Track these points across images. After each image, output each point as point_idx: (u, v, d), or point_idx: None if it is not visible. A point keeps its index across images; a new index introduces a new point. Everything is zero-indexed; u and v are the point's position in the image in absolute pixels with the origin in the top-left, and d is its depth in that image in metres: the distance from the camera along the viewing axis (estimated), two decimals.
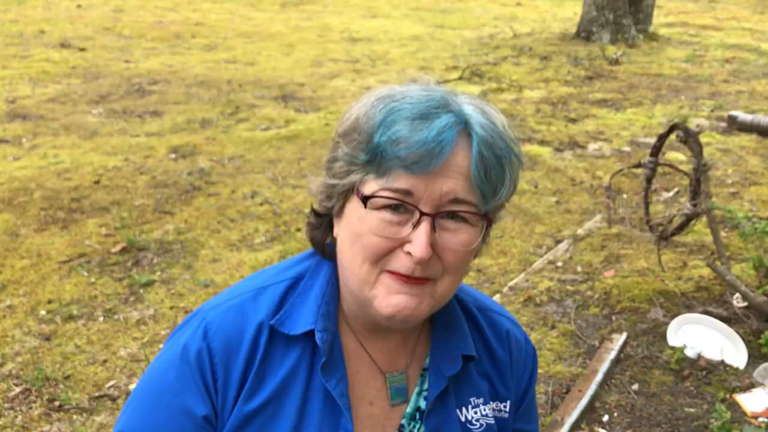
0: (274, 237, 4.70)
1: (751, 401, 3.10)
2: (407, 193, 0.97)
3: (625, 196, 5.39)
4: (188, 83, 8.27)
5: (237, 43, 10.53)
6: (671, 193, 5.42)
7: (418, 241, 0.97)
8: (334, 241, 1.09)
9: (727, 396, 3.16)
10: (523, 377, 1.21)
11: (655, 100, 8.04)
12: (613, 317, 3.71)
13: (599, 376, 3.19)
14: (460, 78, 8.49)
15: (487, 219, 1.01)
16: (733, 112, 7.09)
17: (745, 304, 3.54)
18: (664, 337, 3.51)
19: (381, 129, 0.96)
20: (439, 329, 1.12)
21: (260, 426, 1.05)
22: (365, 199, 0.98)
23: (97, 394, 3.16)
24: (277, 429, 1.05)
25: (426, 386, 1.13)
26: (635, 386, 3.23)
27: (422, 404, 1.12)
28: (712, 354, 3.38)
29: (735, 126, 6.94)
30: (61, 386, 3.19)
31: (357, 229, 1.00)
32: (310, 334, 1.05)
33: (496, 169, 0.97)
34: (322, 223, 1.11)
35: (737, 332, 3.44)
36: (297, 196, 5.31)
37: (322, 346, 1.04)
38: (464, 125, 0.97)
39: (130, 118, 7.03)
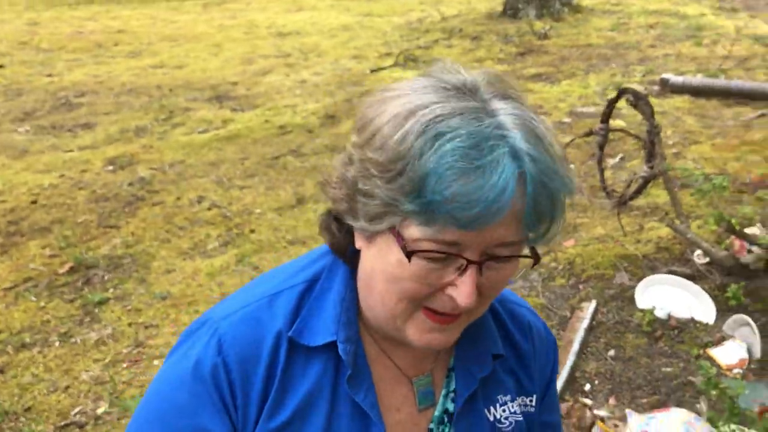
0: (228, 241, 4.57)
1: (725, 354, 3.15)
2: (455, 244, 0.87)
3: (572, 165, 5.43)
4: (117, 92, 8.00)
5: (162, 47, 10.24)
6: (617, 159, 5.49)
7: (464, 289, 0.88)
8: (356, 250, 0.99)
9: (701, 352, 3.21)
10: (546, 368, 1.16)
11: (588, 70, 8.14)
12: (581, 286, 3.72)
13: (575, 346, 3.19)
14: (395, 64, 8.44)
15: (536, 256, 0.92)
16: (665, 75, 7.23)
17: (707, 260, 3.60)
18: (632, 300, 3.53)
19: (432, 182, 0.82)
20: (466, 329, 1.05)
21: None
22: (409, 254, 0.87)
23: (62, 423, 3.00)
24: None
25: (452, 387, 1.07)
26: (611, 352, 3.24)
27: (450, 406, 1.07)
28: (681, 312, 3.42)
29: (668, 88, 7.08)
30: (23, 419, 3.02)
31: (395, 272, 0.90)
32: (332, 343, 0.98)
33: (548, 208, 0.87)
34: (343, 229, 1.00)
35: (703, 288, 3.49)
36: (245, 197, 5.18)
37: (346, 359, 0.98)
38: (520, 167, 0.84)
39: (60, 133, 6.74)
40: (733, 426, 2.52)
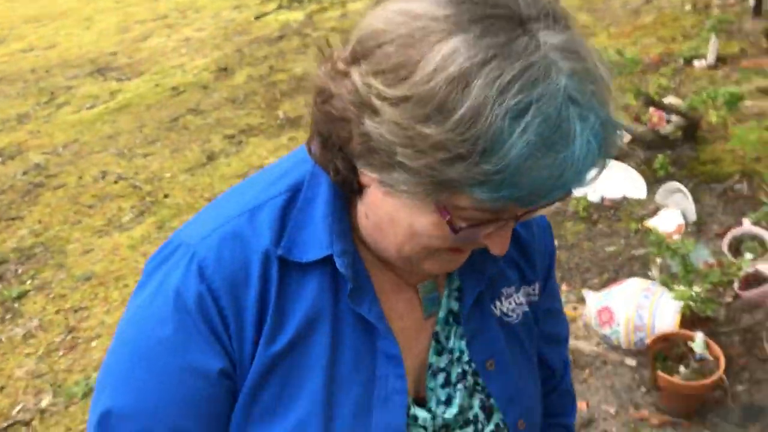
0: (143, 210, 4.34)
1: (662, 223, 3.21)
2: (504, 210, 0.76)
3: None
4: None
5: (28, 29, 9.55)
6: None
7: (501, 242, 0.80)
8: (360, 184, 0.84)
9: (639, 226, 3.26)
10: (546, 254, 1.08)
11: None
12: None
13: None
14: (279, 7, 8.15)
15: (569, 194, 0.81)
16: None
17: (629, 138, 3.64)
18: None
19: (510, 175, 0.69)
20: None
21: (290, 367, 0.87)
22: (456, 229, 0.76)
23: (5, 424, 2.79)
24: (310, 366, 0.88)
25: (455, 285, 0.98)
26: (555, 242, 3.25)
27: (454, 305, 0.98)
28: (614, 193, 3.46)
29: None
30: None
31: (425, 231, 0.79)
32: (327, 258, 0.87)
33: (606, 162, 0.76)
34: (349, 165, 0.83)
35: (629, 166, 3.53)
36: (151, 164, 4.93)
37: (345, 272, 0.86)
38: (598, 141, 0.72)
39: None
40: (684, 287, 2.57)
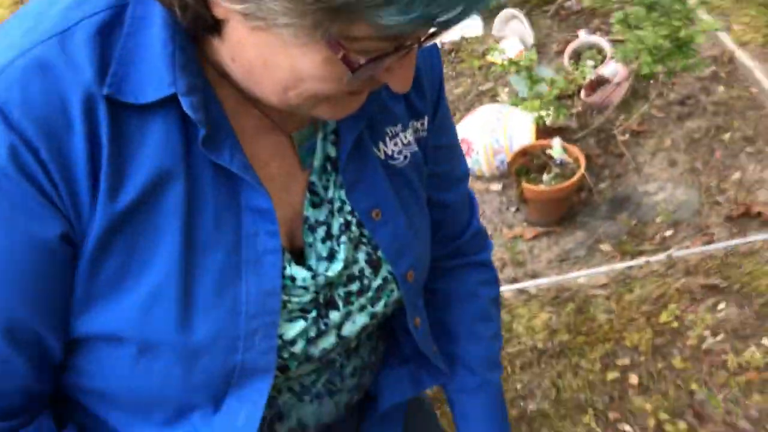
0: None
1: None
2: (410, 35, 0.63)
3: None
4: None
5: None
6: None
7: (405, 75, 0.68)
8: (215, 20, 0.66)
9: (483, 62, 3.21)
10: (435, 78, 0.92)
11: None
12: None
13: None
14: None
15: None
16: None
17: None
18: None
19: None
20: None
21: (137, 230, 0.71)
22: (353, 67, 0.62)
23: None
24: (161, 228, 0.71)
25: (330, 128, 0.83)
26: None
27: (331, 151, 0.83)
28: (450, 36, 3.38)
29: None
30: None
31: (313, 74, 0.64)
32: (171, 97, 0.68)
33: None
34: None
35: None
36: None
37: (194, 116, 0.68)
38: None
39: None
40: (532, 104, 2.54)
